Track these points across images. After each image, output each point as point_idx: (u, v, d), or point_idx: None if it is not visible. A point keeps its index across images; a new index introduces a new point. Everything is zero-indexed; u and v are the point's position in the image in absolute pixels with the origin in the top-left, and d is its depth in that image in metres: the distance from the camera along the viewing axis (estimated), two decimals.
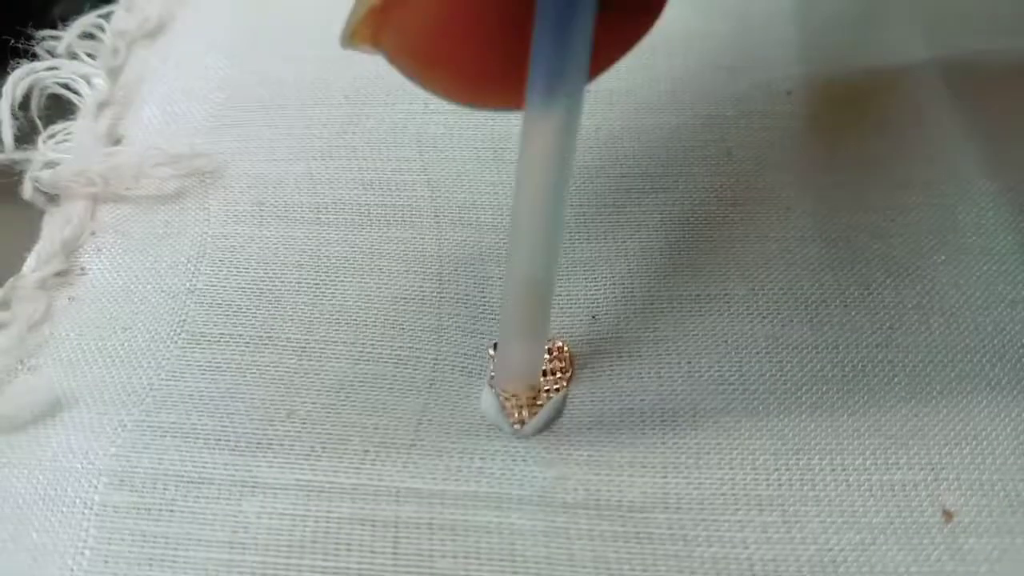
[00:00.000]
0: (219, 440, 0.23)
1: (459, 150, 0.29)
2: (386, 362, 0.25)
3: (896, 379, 0.24)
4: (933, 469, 0.22)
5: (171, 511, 0.22)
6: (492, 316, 0.25)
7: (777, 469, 0.22)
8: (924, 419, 0.23)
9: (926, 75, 0.31)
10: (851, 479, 0.22)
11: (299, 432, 0.23)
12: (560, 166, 0.18)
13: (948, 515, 0.21)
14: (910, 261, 0.26)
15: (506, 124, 0.30)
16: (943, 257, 0.26)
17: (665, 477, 0.22)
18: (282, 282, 0.26)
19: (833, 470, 0.22)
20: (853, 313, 0.25)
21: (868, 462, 0.22)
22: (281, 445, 0.23)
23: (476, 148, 0.29)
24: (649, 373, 0.24)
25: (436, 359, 0.25)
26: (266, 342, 0.25)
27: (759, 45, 0.32)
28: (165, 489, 0.22)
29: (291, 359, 0.24)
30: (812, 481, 0.22)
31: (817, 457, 0.22)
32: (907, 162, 0.28)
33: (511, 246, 0.20)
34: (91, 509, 0.22)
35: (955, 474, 0.22)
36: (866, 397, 0.23)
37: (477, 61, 0.18)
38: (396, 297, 0.26)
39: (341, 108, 0.30)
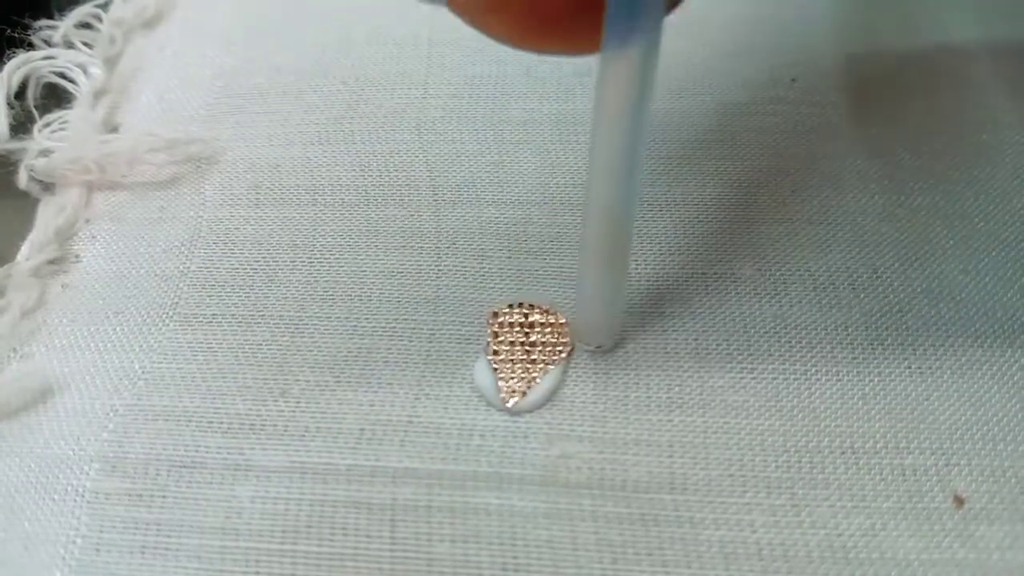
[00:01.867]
0: (211, 423, 0.22)
1: (459, 132, 0.29)
2: (381, 336, 0.24)
3: (906, 363, 0.23)
4: (944, 454, 0.22)
5: (163, 497, 0.21)
6: (491, 286, 0.25)
7: (786, 451, 0.22)
8: (935, 404, 0.22)
9: (932, 62, 0.30)
10: (861, 462, 0.21)
11: (293, 412, 0.23)
12: (640, 104, 0.18)
13: (959, 501, 0.21)
14: (918, 246, 0.25)
15: (506, 106, 0.29)
16: (951, 242, 0.25)
17: (671, 456, 0.22)
18: (276, 262, 0.26)
19: (843, 453, 0.22)
20: (862, 296, 0.24)
21: (879, 445, 0.22)
22: (275, 426, 0.22)
23: (476, 130, 0.29)
24: (655, 348, 0.24)
25: (433, 331, 0.24)
26: (259, 321, 0.24)
27: (762, 32, 0.32)
28: (157, 474, 0.22)
29: (284, 337, 0.24)
30: (822, 464, 0.21)
31: (827, 439, 0.22)
32: (913, 148, 0.28)
33: (591, 183, 0.20)
34: (83, 497, 0.22)
35: (966, 460, 0.21)
36: (876, 380, 0.23)
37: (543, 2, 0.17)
38: (392, 272, 0.25)
39: (339, 94, 0.30)
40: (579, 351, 0.24)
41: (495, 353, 0.23)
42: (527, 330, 0.24)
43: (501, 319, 0.24)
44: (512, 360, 0.23)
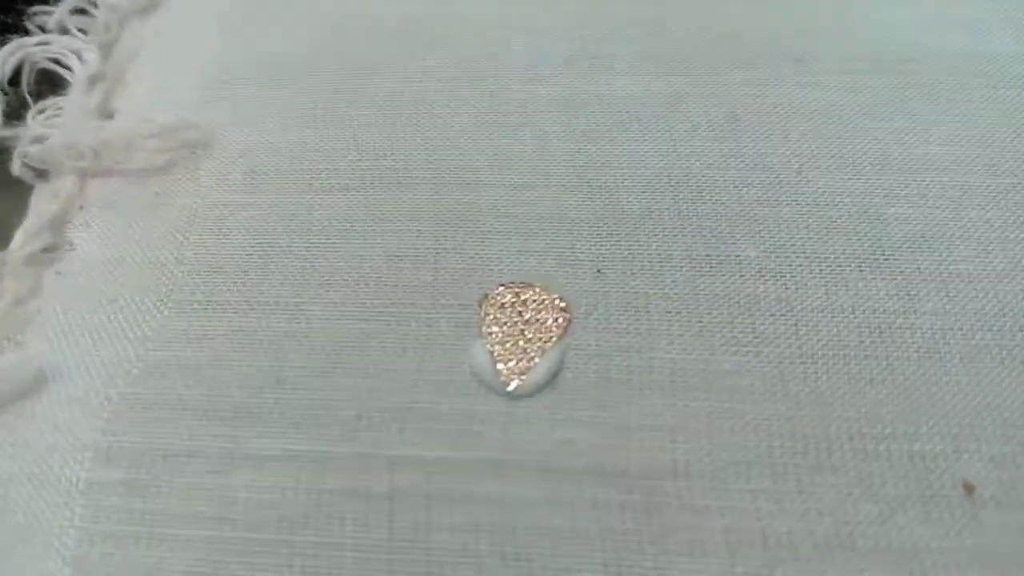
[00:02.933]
0: (207, 411, 0.22)
1: (458, 115, 0.28)
2: (379, 320, 0.24)
3: (915, 347, 0.23)
4: (954, 440, 0.21)
5: (158, 487, 0.21)
6: (490, 268, 0.25)
7: (793, 436, 0.21)
8: (944, 388, 0.22)
9: (929, 51, 0.30)
10: (869, 449, 0.21)
11: (289, 398, 0.22)
12: None
13: (969, 488, 0.21)
14: (927, 228, 0.25)
15: (507, 88, 0.29)
16: (960, 224, 0.25)
17: (674, 442, 0.21)
18: (272, 247, 0.25)
19: (851, 439, 0.21)
20: (870, 278, 0.24)
21: (887, 431, 0.21)
22: (270, 414, 0.22)
23: (476, 112, 0.28)
24: (658, 330, 0.23)
25: (431, 314, 0.24)
26: (254, 307, 0.24)
27: (766, 14, 0.31)
28: (152, 464, 0.21)
29: (280, 323, 0.24)
30: (828, 450, 0.21)
31: (834, 425, 0.21)
32: (921, 130, 0.27)
33: None
34: (77, 487, 0.21)
35: (976, 445, 0.21)
36: (884, 364, 0.22)
37: None
38: (390, 255, 0.25)
39: (336, 80, 0.29)
40: (582, 330, 0.23)
41: (489, 335, 0.23)
42: (520, 309, 0.24)
43: (492, 300, 0.24)
44: (507, 341, 0.23)
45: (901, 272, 0.24)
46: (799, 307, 0.23)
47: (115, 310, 0.24)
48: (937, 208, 0.25)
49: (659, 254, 0.25)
